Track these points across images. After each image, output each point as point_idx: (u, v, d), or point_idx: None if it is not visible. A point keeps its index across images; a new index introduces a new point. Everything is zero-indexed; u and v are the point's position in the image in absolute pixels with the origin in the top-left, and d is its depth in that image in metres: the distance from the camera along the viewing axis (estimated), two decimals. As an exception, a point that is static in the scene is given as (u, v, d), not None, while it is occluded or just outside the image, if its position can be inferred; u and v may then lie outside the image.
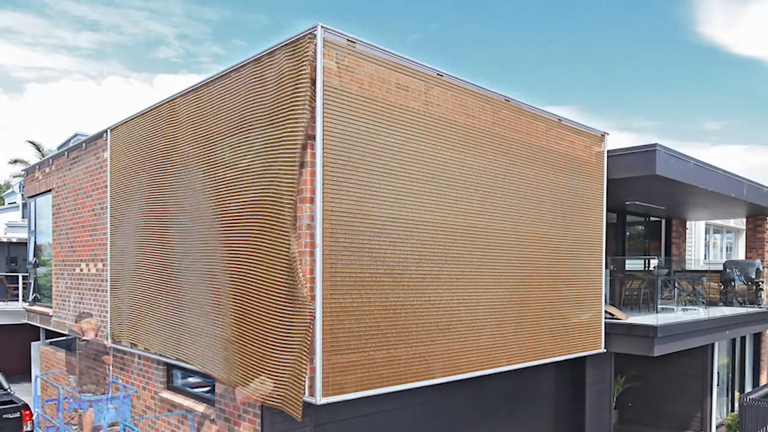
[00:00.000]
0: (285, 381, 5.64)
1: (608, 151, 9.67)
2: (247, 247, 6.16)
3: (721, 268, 14.40)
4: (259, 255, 5.97)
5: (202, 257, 6.97)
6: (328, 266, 5.59)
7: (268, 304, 5.84)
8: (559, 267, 8.66)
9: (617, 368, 11.02)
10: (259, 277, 5.97)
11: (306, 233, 5.56)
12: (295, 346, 5.55)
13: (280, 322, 5.68)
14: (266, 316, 5.86)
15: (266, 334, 5.85)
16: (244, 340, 6.14)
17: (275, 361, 5.74)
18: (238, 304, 6.27)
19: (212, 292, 6.76)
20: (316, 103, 5.49)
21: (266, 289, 5.87)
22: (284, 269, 5.61)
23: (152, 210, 8.03)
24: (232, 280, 6.38)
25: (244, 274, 6.20)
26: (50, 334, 12.84)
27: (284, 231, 5.60)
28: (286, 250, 5.56)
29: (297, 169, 5.57)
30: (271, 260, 5.79)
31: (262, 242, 5.93)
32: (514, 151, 7.84)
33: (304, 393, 5.56)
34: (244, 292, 6.20)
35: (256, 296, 6.01)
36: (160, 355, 7.80)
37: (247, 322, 6.12)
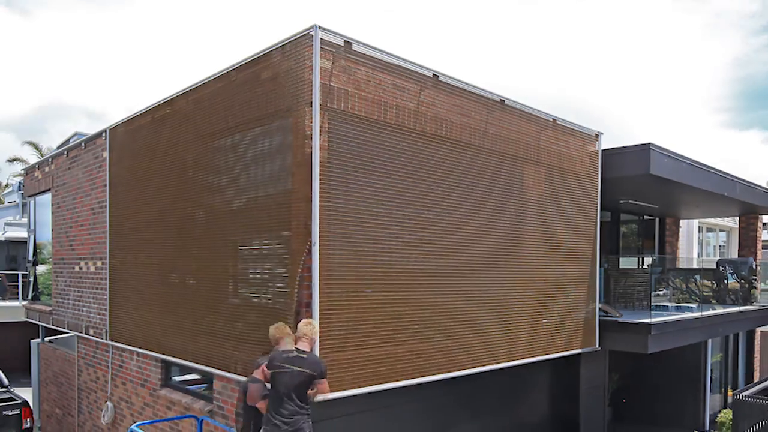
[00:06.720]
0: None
1: (603, 150, 9.75)
2: (244, 245, 6.25)
3: (714, 266, 14.51)
4: (255, 253, 6.06)
5: (202, 255, 7.05)
6: (325, 264, 5.64)
7: (265, 299, 5.92)
8: (554, 265, 8.75)
9: (611, 365, 11.12)
10: (256, 274, 6.05)
11: (303, 232, 5.64)
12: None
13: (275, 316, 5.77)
14: (264, 310, 5.95)
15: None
16: (244, 333, 6.23)
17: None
18: (239, 300, 6.36)
19: (212, 290, 6.84)
20: (313, 103, 5.56)
21: (263, 285, 5.95)
22: (280, 268, 5.69)
23: (151, 208, 8.10)
24: (231, 278, 6.47)
25: (243, 271, 6.28)
26: (50, 331, 12.91)
27: (279, 231, 5.68)
28: (282, 250, 5.65)
29: (293, 169, 5.65)
30: (268, 259, 5.87)
31: (259, 240, 6.02)
32: (509, 151, 7.93)
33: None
34: (242, 288, 6.28)
35: (255, 292, 6.10)
36: (158, 352, 7.88)
37: (247, 317, 6.21)
